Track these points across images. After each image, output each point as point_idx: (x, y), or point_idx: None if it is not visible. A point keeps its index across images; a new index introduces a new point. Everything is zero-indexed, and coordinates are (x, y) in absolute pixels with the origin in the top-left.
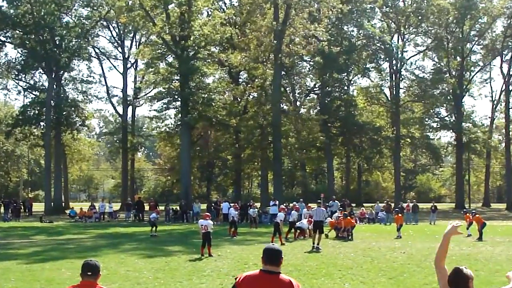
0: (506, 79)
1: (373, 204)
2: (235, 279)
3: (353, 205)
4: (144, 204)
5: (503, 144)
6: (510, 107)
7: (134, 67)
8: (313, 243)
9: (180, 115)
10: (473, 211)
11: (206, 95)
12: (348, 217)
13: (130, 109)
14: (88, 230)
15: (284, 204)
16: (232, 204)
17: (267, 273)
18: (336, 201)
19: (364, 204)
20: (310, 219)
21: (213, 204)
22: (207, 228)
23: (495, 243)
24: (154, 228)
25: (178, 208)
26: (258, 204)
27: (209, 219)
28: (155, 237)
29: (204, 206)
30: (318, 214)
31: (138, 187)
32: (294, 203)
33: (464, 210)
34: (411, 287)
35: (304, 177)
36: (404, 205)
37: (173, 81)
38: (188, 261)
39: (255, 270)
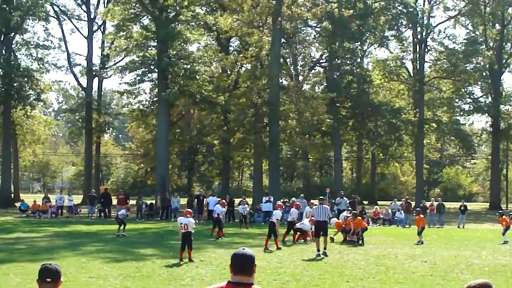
0: None
1: (389, 202)
2: None
3: (365, 203)
4: (112, 197)
5: None
6: None
7: (102, 30)
8: (318, 250)
9: (156, 90)
10: (511, 213)
11: (189, 66)
12: (359, 218)
13: (95, 81)
14: (42, 227)
15: (282, 200)
16: (219, 200)
17: (237, 285)
18: (344, 197)
19: (378, 202)
20: (312, 218)
21: (195, 199)
22: (187, 228)
23: None
24: (122, 227)
25: (152, 202)
26: (250, 200)
27: (191, 217)
28: (124, 237)
29: (184, 201)
30: (320, 212)
31: (104, 177)
32: (294, 199)
33: (500, 211)
34: None
35: (306, 168)
36: (427, 204)
37: (149, 48)
38: (163, 267)
39: (222, 282)
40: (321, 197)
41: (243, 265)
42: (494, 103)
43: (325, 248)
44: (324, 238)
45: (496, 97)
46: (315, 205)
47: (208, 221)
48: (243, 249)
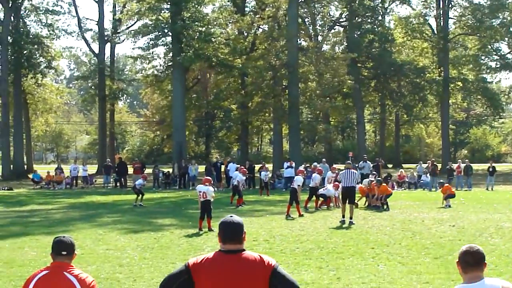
0: None
1: (414, 165)
2: (185, 265)
3: (390, 166)
4: (127, 166)
5: None
6: None
7: None
8: (343, 216)
9: (171, 54)
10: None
11: (204, 28)
12: (383, 184)
13: (108, 46)
14: (57, 199)
15: (303, 166)
16: (238, 166)
17: (227, 253)
18: (368, 161)
19: (403, 165)
20: (336, 183)
21: (213, 166)
22: (206, 196)
23: None
24: (140, 197)
25: (170, 171)
26: (270, 166)
27: (210, 185)
28: (141, 208)
29: (202, 169)
30: (347, 178)
31: (119, 145)
32: (315, 164)
33: None
34: None
35: (327, 132)
36: (455, 166)
37: (162, 11)
38: (182, 237)
39: (211, 253)
40: (348, 162)
41: (232, 233)
42: None
43: (351, 218)
44: (350, 206)
45: None
46: (340, 169)
47: (228, 189)
48: (231, 216)
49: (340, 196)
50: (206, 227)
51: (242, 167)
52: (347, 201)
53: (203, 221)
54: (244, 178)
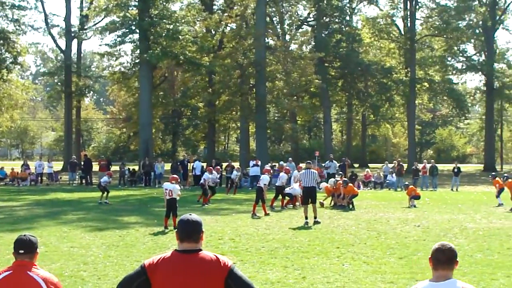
0: None
1: (380, 165)
2: (141, 266)
3: (356, 165)
4: (93, 163)
5: None
6: None
7: None
8: (306, 218)
9: (138, 51)
10: (506, 175)
11: (172, 26)
12: (350, 185)
13: (74, 43)
14: (21, 195)
15: (270, 165)
16: (204, 165)
17: (183, 253)
18: (334, 161)
19: (369, 164)
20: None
21: (180, 164)
22: (172, 194)
23: None
24: (105, 194)
25: (136, 168)
26: (236, 164)
27: (176, 183)
28: (106, 205)
29: (169, 166)
30: (307, 178)
31: (85, 142)
32: (282, 163)
33: (493, 174)
34: (427, 269)
35: (294, 131)
36: (420, 166)
37: (130, 8)
38: (147, 235)
39: (168, 252)
40: (308, 161)
41: (189, 232)
42: (487, 61)
43: (315, 217)
44: (313, 206)
45: (489, 55)
46: (302, 170)
47: (194, 187)
48: (190, 215)
49: (302, 197)
50: (171, 225)
51: (209, 166)
52: (309, 201)
53: (169, 219)
54: (211, 176)
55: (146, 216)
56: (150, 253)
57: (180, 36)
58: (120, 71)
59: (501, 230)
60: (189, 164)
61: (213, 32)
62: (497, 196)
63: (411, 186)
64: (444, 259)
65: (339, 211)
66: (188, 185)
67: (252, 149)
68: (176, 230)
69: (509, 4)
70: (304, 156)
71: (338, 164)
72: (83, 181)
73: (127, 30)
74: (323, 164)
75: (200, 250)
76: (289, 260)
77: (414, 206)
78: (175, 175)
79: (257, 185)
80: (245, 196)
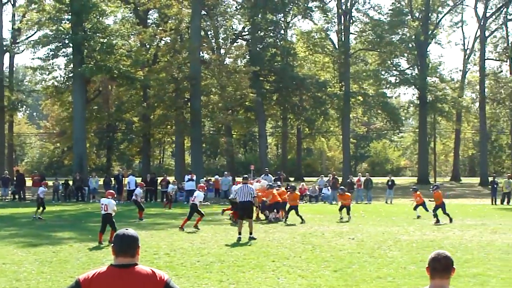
0: (482, 23)
1: (316, 178)
2: (76, 281)
3: (291, 179)
4: (26, 178)
5: (477, 104)
6: (486, 57)
7: (12, 2)
8: (239, 233)
9: (72, 65)
10: (435, 184)
11: (106, 40)
12: (296, 193)
13: (7, 56)
14: None
15: (204, 180)
16: (138, 180)
17: (119, 267)
18: (269, 174)
19: (304, 178)
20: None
21: (114, 178)
22: (107, 209)
23: (465, 227)
24: (40, 210)
25: (70, 183)
26: (172, 178)
27: (112, 198)
28: (40, 221)
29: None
30: (244, 193)
31: (18, 157)
32: (217, 177)
33: (414, 187)
34: (362, 282)
35: (229, 145)
36: (355, 179)
37: (63, 22)
38: (82, 251)
39: (104, 266)
40: (245, 175)
41: (125, 246)
42: (420, 75)
43: (251, 233)
44: (249, 222)
45: (422, 69)
46: (238, 185)
47: (128, 202)
48: (126, 229)
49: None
50: (106, 240)
51: (141, 182)
52: (244, 216)
53: (103, 234)
54: (141, 190)
55: (80, 232)
56: (84, 268)
57: (114, 50)
58: (53, 85)
59: (434, 242)
60: (123, 178)
61: (148, 46)
62: (415, 209)
63: (346, 194)
64: (440, 268)
65: (275, 225)
66: (122, 199)
67: (187, 163)
68: (112, 244)
69: (441, 19)
70: (240, 169)
71: (273, 178)
72: (16, 197)
73: (60, 44)
74: (259, 178)
75: (136, 264)
76: (224, 274)
77: (346, 220)
78: (111, 190)
79: (192, 202)
80: (180, 210)
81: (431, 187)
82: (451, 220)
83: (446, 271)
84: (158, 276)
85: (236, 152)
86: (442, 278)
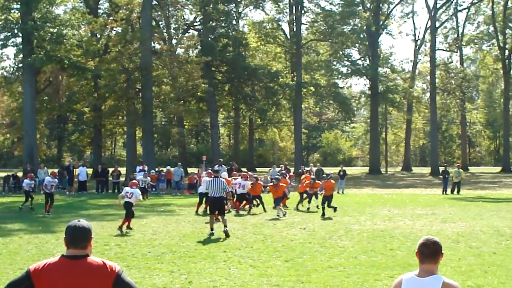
0: (432, 13)
1: (268, 169)
2: (27, 271)
3: (244, 169)
4: None
5: (428, 94)
6: (436, 48)
7: None
8: (211, 229)
9: (21, 56)
10: (328, 174)
11: (56, 29)
12: (259, 182)
13: None
14: None
15: (157, 169)
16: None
17: (70, 258)
18: (222, 165)
19: (257, 168)
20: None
21: (65, 169)
22: (132, 196)
23: (416, 216)
24: (29, 201)
25: (20, 174)
26: (123, 169)
27: (136, 188)
28: None
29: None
30: (215, 187)
31: None
32: (169, 167)
33: (327, 174)
34: (313, 271)
35: (181, 135)
36: (306, 169)
37: (12, 11)
38: (31, 242)
39: (55, 257)
40: (215, 169)
41: (76, 237)
42: (372, 66)
43: (225, 226)
44: (221, 217)
45: (374, 60)
46: (206, 178)
47: (79, 193)
48: (78, 221)
49: (208, 207)
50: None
51: (54, 171)
52: (216, 212)
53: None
54: (53, 181)
55: (30, 223)
56: (34, 260)
57: (64, 40)
58: (2, 75)
59: (384, 232)
60: (74, 169)
61: (99, 36)
62: (307, 201)
63: (281, 184)
64: (429, 253)
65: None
66: (73, 190)
67: (139, 154)
68: (64, 236)
69: (392, 10)
70: (192, 160)
71: (226, 168)
72: None
73: (9, 34)
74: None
75: (88, 255)
76: (176, 265)
77: (283, 215)
78: (134, 181)
79: (127, 200)
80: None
81: (324, 175)
82: (335, 209)
83: (434, 256)
84: (109, 267)
85: (188, 142)
86: (430, 263)
